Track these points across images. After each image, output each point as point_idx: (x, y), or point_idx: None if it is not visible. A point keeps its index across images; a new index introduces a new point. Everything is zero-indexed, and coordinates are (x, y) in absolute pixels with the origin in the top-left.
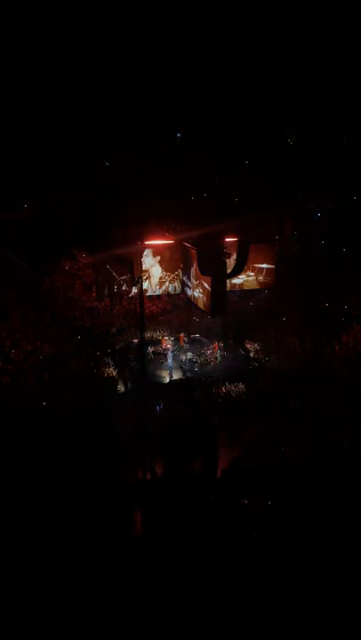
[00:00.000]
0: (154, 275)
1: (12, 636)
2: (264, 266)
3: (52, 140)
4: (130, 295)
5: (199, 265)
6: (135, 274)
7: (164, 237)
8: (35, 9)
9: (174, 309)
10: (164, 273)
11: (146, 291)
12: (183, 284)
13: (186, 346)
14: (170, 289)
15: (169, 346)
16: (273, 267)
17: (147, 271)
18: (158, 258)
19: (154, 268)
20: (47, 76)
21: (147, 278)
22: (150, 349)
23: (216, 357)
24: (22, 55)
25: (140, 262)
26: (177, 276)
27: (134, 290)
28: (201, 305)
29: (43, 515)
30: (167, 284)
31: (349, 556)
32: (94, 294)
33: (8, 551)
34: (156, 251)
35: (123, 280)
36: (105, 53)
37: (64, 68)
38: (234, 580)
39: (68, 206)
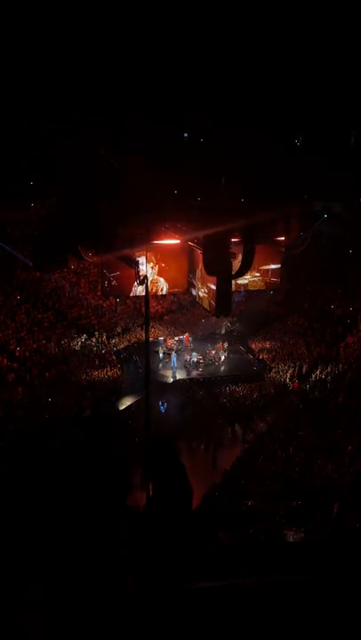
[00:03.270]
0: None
1: (13, 636)
2: (270, 267)
3: (59, 139)
4: (131, 295)
5: (205, 265)
6: (140, 274)
7: (170, 237)
8: (43, 16)
9: (179, 309)
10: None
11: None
12: (189, 285)
13: (191, 345)
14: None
15: (173, 345)
16: (278, 268)
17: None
18: (152, 264)
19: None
20: (54, 77)
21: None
22: (161, 349)
23: (220, 358)
24: (31, 57)
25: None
26: (179, 275)
27: (140, 289)
28: (206, 305)
29: (43, 512)
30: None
31: (354, 557)
32: (99, 293)
33: (8, 549)
34: (155, 255)
35: (113, 277)
36: (113, 59)
37: (72, 69)
38: (235, 581)
39: (73, 205)
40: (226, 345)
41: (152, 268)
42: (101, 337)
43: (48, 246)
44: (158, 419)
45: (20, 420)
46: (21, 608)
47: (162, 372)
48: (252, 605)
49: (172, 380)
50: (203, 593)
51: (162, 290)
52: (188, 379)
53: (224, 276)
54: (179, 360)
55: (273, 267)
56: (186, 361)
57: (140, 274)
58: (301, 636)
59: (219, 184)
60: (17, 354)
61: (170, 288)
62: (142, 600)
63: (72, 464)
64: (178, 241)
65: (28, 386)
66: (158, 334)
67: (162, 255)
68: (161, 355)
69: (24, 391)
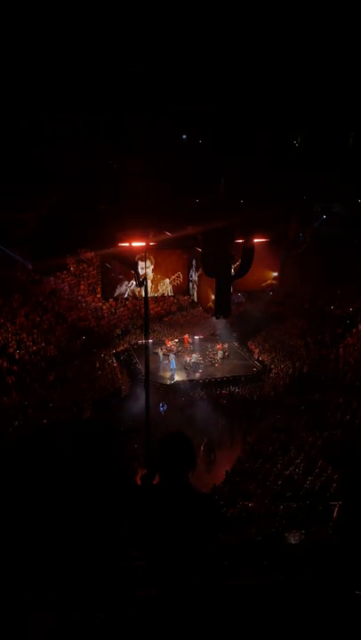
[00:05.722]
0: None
1: (13, 636)
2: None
3: (59, 139)
4: (125, 296)
5: (204, 266)
6: (139, 275)
7: (170, 238)
8: (47, 21)
9: (179, 311)
10: (159, 276)
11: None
12: (188, 286)
13: (190, 347)
14: (167, 291)
15: (173, 347)
16: (278, 269)
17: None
18: (152, 266)
19: (149, 271)
20: (54, 77)
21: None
22: (161, 351)
23: (220, 359)
24: (31, 57)
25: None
26: (177, 277)
27: (129, 289)
28: (206, 306)
29: (44, 513)
30: (165, 286)
31: (353, 557)
32: (99, 295)
33: (9, 549)
34: (155, 256)
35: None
36: (113, 59)
37: (72, 69)
38: (235, 583)
39: (72, 207)
40: (226, 346)
41: (153, 270)
42: None
43: (47, 248)
44: (158, 420)
45: (20, 422)
46: (21, 608)
47: (161, 373)
48: (252, 605)
49: (171, 381)
50: (203, 593)
51: (165, 291)
52: (188, 380)
53: (223, 278)
54: (178, 362)
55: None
56: (186, 362)
57: (140, 275)
58: (302, 636)
59: (218, 184)
60: (17, 357)
61: (172, 289)
62: (142, 600)
63: (72, 466)
64: (177, 242)
65: (28, 388)
66: (158, 336)
67: (162, 256)
68: (161, 356)
69: (24, 393)
